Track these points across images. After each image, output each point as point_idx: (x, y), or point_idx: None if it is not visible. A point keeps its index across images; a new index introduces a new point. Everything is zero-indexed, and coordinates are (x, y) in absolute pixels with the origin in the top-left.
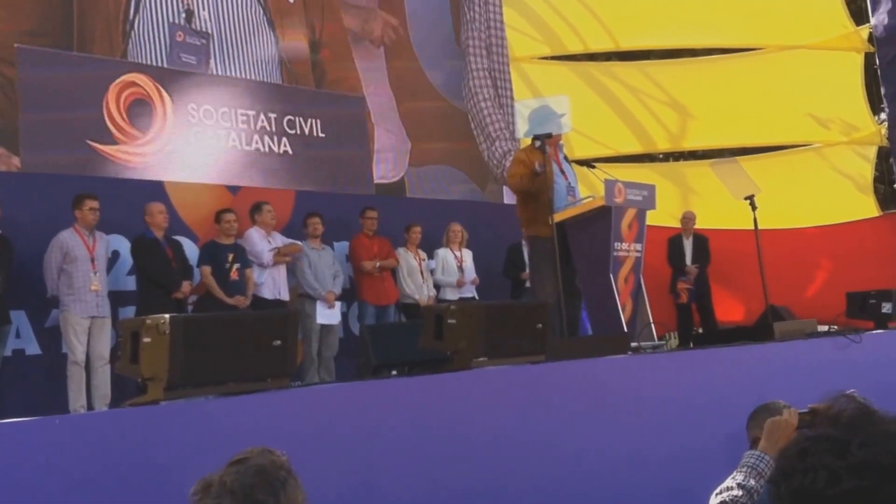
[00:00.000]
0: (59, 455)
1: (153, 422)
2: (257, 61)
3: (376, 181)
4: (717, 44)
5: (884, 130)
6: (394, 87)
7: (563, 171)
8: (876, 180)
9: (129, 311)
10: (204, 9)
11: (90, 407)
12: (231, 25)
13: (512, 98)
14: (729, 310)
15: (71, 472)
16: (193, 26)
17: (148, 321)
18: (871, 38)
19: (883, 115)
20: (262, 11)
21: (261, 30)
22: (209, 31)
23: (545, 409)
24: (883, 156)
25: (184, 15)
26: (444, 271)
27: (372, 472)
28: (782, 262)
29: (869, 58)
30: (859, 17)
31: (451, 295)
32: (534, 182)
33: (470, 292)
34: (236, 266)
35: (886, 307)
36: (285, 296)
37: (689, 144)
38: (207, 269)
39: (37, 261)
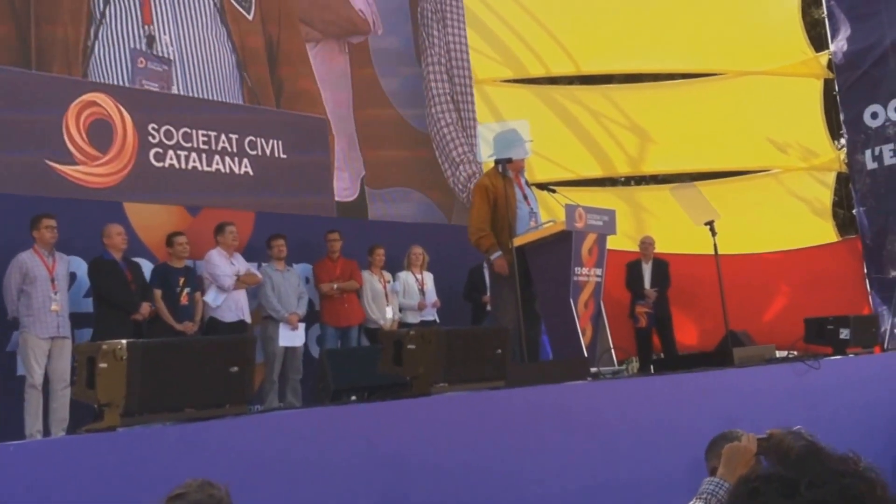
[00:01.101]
0: (13, 483)
1: (109, 449)
2: (219, 82)
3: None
4: (679, 69)
5: (843, 156)
6: (355, 105)
7: (525, 197)
8: (835, 205)
9: (86, 333)
10: (165, 33)
11: (47, 431)
12: (193, 48)
13: (475, 121)
14: (689, 335)
15: (25, 500)
16: (155, 52)
17: (104, 346)
18: (830, 65)
19: (842, 141)
20: (224, 32)
21: (223, 50)
22: (171, 56)
23: (505, 435)
24: (842, 181)
25: (145, 40)
26: (406, 294)
27: (330, 499)
28: (741, 287)
29: (828, 84)
30: (819, 43)
31: (412, 318)
32: (488, 250)
33: (431, 315)
34: (187, 290)
35: (844, 333)
36: (247, 317)
37: (649, 169)
38: (158, 293)
39: None
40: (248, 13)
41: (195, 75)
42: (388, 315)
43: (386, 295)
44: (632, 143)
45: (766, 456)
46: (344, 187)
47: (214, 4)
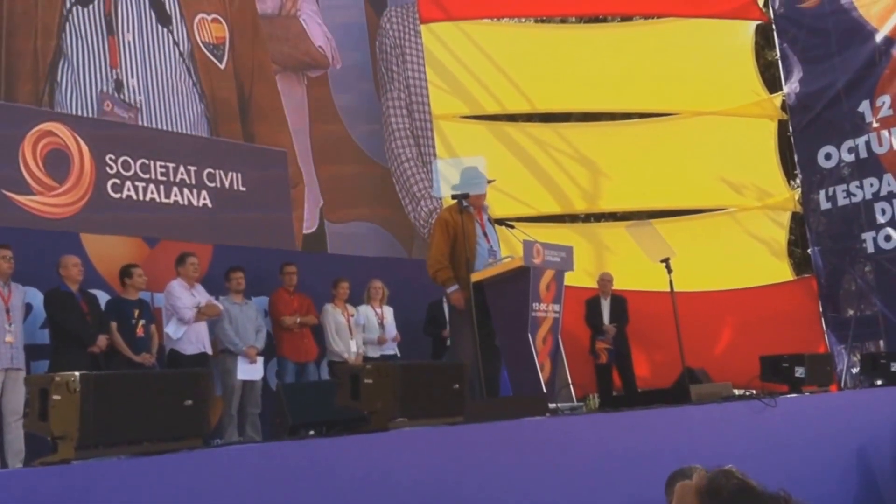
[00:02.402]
0: None
1: (63, 482)
2: (185, 127)
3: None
4: (634, 108)
5: (798, 196)
6: (314, 144)
7: (485, 234)
8: (791, 244)
9: (42, 365)
10: (133, 77)
11: (3, 464)
12: (160, 94)
13: (435, 156)
14: (646, 371)
15: None
16: (122, 97)
17: (57, 378)
18: (784, 106)
19: (797, 181)
20: (191, 81)
21: (191, 98)
22: (137, 103)
23: (463, 471)
24: (797, 221)
25: (113, 84)
26: (365, 328)
27: None
28: (698, 324)
29: (783, 125)
30: (773, 84)
31: (372, 352)
32: (444, 283)
33: (391, 349)
34: (142, 322)
35: (800, 371)
36: (209, 349)
37: (605, 206)
38: (114, 326)
39: None
40: (221, 62)
41: (161, 122)
42: (352, 349)
43: (350, 328)
44: (587, 179)
45: (700, 497)
46: (304, 219)
47: (181, 53)
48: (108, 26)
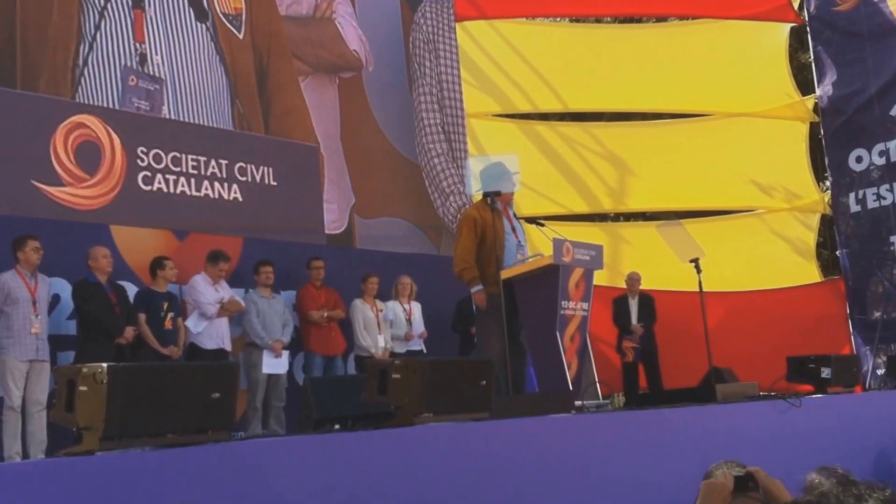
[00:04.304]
0: None
1: (87, 473)
2: (210, 104)
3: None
4: (665, 108)
5: (827, 199)
6: (345, 135)
7: (513, 229)
8: (819, 247)
9: (68, 356)
10: (157, 53)
11: (25, 454)
12: (185, 68)
13: (466, 152)
14: (673, 370)
15: None
16: (146, 70)
17: (84, 369)
18: (816, 109)
19: (827, 184)
20: (215, 53)
21: (215, 73)
22: (162, 75)
23: (488, 467)
24: (826, 223)
25: (137, 58)
26: (393, 324)
27: None
28: (725, 324)
29: (814, 127)
30: (805, 87)
31: (398, 348)
32: (469, 282)
33: (418, 346)
34: (171, 315)
35: (826, 372)
36: (227, 345)
37: (634, 205)
38: (142, 317)
39: None
40: (239, 33)
41: (186, 96)
42: (380, 344)
43: (378, 323)
44: (616, 179)
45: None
46: (332, 220)
47: (206, 26)
48: (134, 1)
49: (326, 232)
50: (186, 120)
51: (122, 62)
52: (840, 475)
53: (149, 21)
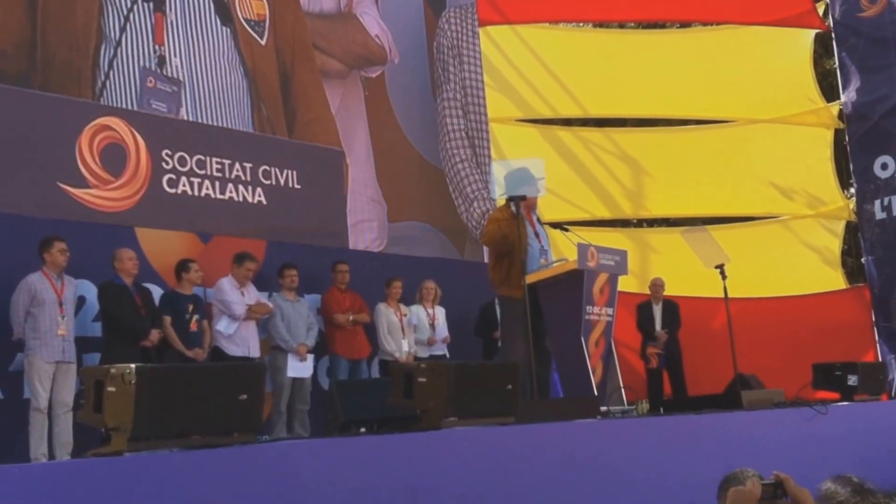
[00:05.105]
0: None
1: (116, 473)
2: (229, 107)
3: (360, 250)
4: (689, 114)
5: (852, 205)
6: (374, 145)
7: (536, 234)
8: (844, 254)
9: (93, 358)
10: (176, 56)
11: (51, 455)
12: (204, 71)
13: (490, 157)
14: (698, 376)
15: None
16: (165, 72)
17: (112, 370)
18: (840, 115)
19: (852, 191)
20: (237, 56)
21: (234, 75)
22: (181, 77)
23: (514, 471)
24: (851, 230)
25: (156, 60)
26: (417, 328)
27: None
28: (750, 330)
29: (839, 134)
30: (830, 93)
31: (422, 352)
32: (506, 244)
33: (441, 350)
34: (196, 317)
35: (852, 379)
36: (255, 352)
37: (657, 211)
38: (168, 320)
39: (0, 303)
40: (262, 39)
41: (205, 98)
42: (404, 348)
43: (402, 328)
44: (638, 184)
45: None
46: (374, 237)
47: (227, 29)
48: (157, 4)
49: (369, 250)
50: (205, 121)
51: (141, 63)
52: (855, 483)
53: (169, 24)
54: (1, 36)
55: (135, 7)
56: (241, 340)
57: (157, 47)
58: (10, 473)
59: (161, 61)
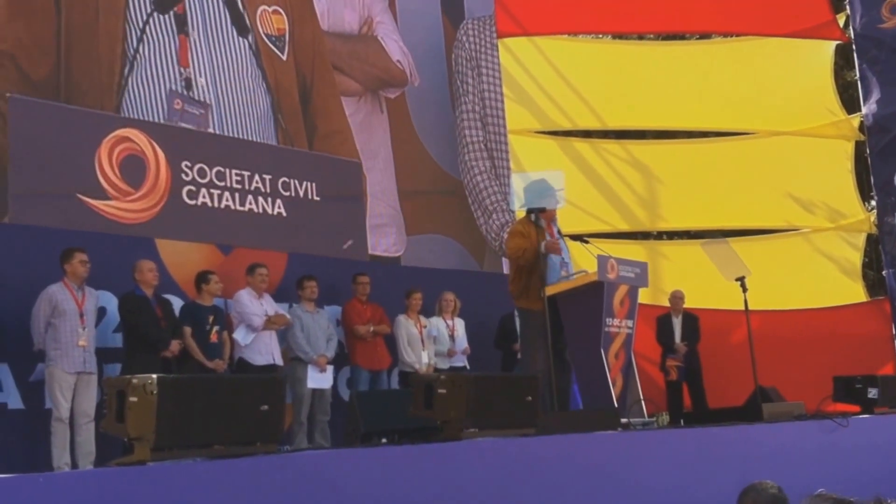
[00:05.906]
0: None
1: (139, 483)
2: (254, 124)
3: (378, 253)
4: (708, 126)
5: (873, 218)
6: (396, 158)
7: None
8: (865, 266)
9: (114, 369)
10: (202, 75)
11: (74, 465)
12: (229, 91)
13: (509, 169)
14: (718, 389)
15: None
16: (192, 95)
17: (135, 380)
18: (861, 127)
19: (873, 203)
20: (259, 73)
21: (258, 92)
22: (208, 100)
23: (535, 483)
24: (872, 243)
25: (183, 83)
26: (436, 340)
27: None
28: (770, 343)
29: (860, 146)
30: (851, 105)
31: (441, 364)
32: (527, 250)
33: (461, 362)
34: (216, 328)
35: (872, 392)
36: (279, 360)
37: (676, 223)
38: (188, 331)
39: (21, 314)
40: (283, 53)
41: (231, 118)
42: (424, 360)
43: (422, 339)
44: (656, 197)
45: None
46: (392, 242)
47: (250, 46)
48: (179, 25)
49: (384, 255)
50: (230, 134)
51: (168, 86)
52: (835, 500)
53: (192, 45)
54: (29, 67)
55: (160, 30)
56: (266, 349)
57: (182, 69)
58: (35, 482)
59: (188, 84)
